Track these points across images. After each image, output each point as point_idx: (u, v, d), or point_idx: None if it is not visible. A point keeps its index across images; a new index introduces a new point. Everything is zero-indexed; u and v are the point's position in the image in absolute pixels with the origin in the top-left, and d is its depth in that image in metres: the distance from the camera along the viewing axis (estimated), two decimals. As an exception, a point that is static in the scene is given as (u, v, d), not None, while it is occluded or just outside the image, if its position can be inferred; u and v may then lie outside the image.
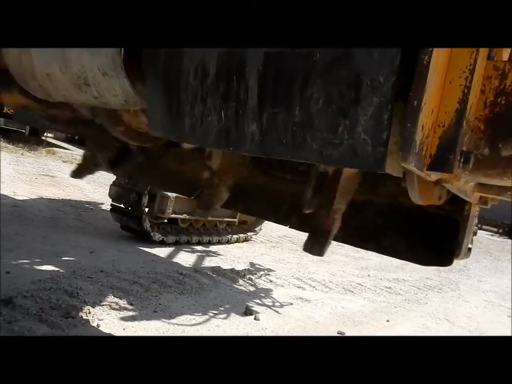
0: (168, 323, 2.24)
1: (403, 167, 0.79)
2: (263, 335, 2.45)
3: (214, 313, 2.52)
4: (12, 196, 4.50)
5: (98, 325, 2.01)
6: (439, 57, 0.65)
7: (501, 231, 18.65)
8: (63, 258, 2.86)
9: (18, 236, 3.11)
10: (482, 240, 16.51)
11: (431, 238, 1.36)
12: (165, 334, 2.08)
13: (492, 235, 17.77)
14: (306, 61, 0.64)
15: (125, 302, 2.36)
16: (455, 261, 1.48)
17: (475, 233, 1.52)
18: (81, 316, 2.04)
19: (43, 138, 11.78)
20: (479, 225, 19.72)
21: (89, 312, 2.08)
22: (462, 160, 0.65)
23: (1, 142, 9.68)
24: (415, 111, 0.58)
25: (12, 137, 10.91)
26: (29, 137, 11.30)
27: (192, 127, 0.76)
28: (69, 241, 3.24)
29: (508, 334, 3.74)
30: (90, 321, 2.03)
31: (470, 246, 1.39)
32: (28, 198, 4.61)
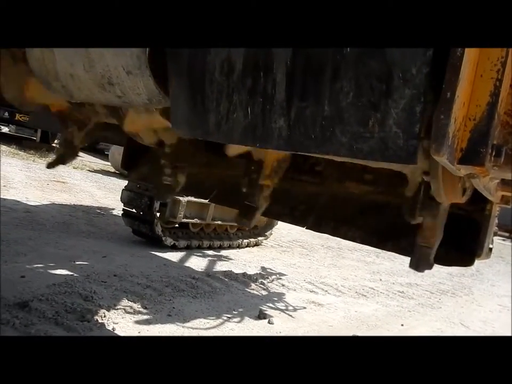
0: (183, 327, 2.23)
1: (427, 161, 0.78)
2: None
3: (227, 317, 2.51)
4: (24, 202, 4.53)
5: (113, 329, 2.01)
6: (471, 49, 0.64)
7: (512, 235, 18.51)
8: (77, 262, 2.87)
9: (32, 240, 3.13)
10: (494, 245, 16.30)
11: (452, 238, 1.35)
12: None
13: (504, 240, 17.56)
14: (335, 54, 0.63)
15: (139, 306, 2.36)
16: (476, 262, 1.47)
17: (495, 233, 1.51)
18: (97, 320, 2.04)
19: (54, 145, 11.90)
20: (490, 230, 19.52)
21: (104, 316, 2.08)
22: (493, 153, 0.64)
23: (12, 149, 9.78)
24: (449, 103, 0.57)
25: (23, 144, 11.02)
26: (40, 144, 11.40)
27: (217, 124, 0.76)
28: (81, 246, 3.25)
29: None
30: (106, 324, 2.02)
31: (491, 246, 1.38)
32: (39, 204, 4.65)
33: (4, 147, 9.70)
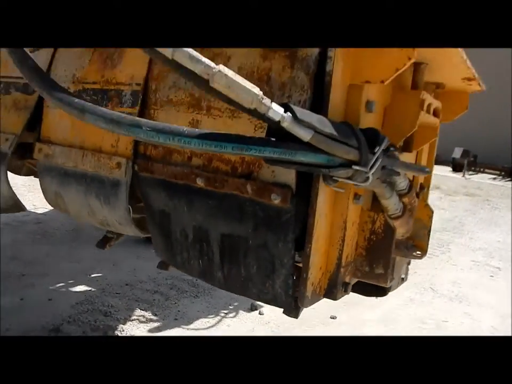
0: (187, 329, 2.72)
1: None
2: (267, 328, 2.93)
3: (224, 313, 2.99)
4: (33, 210, 4.93)
5: (131, 342, 2.50)
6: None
7: (503, 173, 19.05)
8: (92, 275, 3.34)
9: (49, 257, 3.58)
10: (484, 186, 16.75)
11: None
12: (185, 342, 2.56)
13: (494, 178, 17.99)
14: (245, 242, 1.03)
15: (150, 314, 2.84)
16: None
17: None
18: (116, 334, 2.53)
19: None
20: (481, 169, 19.90)
21: (123, 330, 2.57)
22: (343, 288, 1.07)
23: None
24: (305, 281, 0.98)
25: None
26: None
27: (183, 263, 1.17)
28: (92, 256, 3.70)
29: (488, 297, 4.19)
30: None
31: (403, 276, 1.78)
32: (47, 210, 5.05)
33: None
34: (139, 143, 1.16)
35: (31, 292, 2.95)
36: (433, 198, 11.03)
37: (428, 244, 1.53)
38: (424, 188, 1.64)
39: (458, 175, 19.07)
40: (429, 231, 1.46)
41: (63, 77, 1.33)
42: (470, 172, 19.87)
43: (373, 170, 0.85)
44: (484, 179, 19.60)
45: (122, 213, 1.21)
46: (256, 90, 0.74)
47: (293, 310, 1.00)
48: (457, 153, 20.99)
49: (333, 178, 0.87)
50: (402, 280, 1.73)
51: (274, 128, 0.78)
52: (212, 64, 0.73)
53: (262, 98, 0.74)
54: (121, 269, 3.52)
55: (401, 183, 1.02)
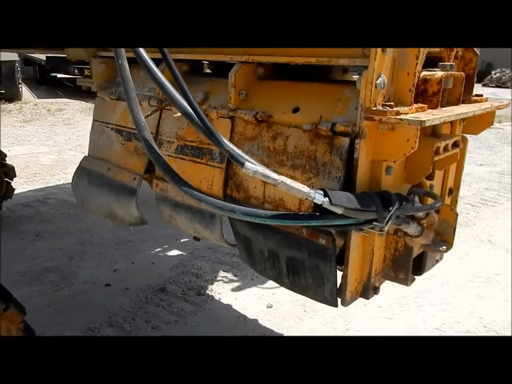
0: (262, 288, 3.33)
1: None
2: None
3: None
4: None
5: (220, 299, 3.15)
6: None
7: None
8: (182, 240, 4.03)
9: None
10: None
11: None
12: (258, 300, 3.17)
13: None
14: (303, 263, 1.50)
15: (231, 275, 3.48)
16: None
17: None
18: (208, 293, 3.20)
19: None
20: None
21: (212, 289, 3.23)
22: (374, 291, 1.52)
23: (87, 103, 10.75)
24: (344, 293, 1.44)
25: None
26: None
27: (261, 270, 1.68)
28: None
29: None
30: (214, 296, 3.17)
31: (437, 258, 2.15)
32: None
33: (85, 105, 10.93)
34: (226, 190, 1.65)
35: (138, 256, 3.70)
36: (508, 130, 10.43)
37: (453, 239, 1.86)
38: (453, 192, 1.99)
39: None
40: (454, 229, 1.80)
41: (169, 134, 1.83)
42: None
43: (387, 226, 1.26)
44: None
45: (218, 235, 1.73)
46: (306, 189, 1.17)
47: (335, 305, 1.49)
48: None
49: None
50: (437, 261, 2.11)
51: (320, 206, 1.22)
52: (277, 176, 1.16)
53: (309, 193, 1.18)
54: (205, 233, 4.18)
55: (412, 225, 1.42)
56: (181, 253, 3.81)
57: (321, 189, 1.21)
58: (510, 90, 20.65)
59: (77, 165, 2.38)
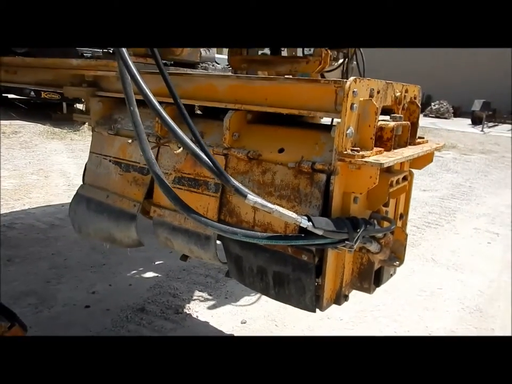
0: (236, 305, 3.60)
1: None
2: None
3: (262, 291, 3.86)
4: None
5: (197, 316, 3.38)
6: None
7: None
8: (156, 263, 4.23)
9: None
10: (501, 141, 16.91)
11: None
12: (233, 317, 3.43)
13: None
14: (287, 277, 1.82)
15: (206, 294, 3.72)
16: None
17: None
18: (185, 311, 3.42)
19: (82, 109, 12.08)
20: (501, 120, 20.02)
21: (190, 308, 3.46)
22: (344, 298, 1.87)
23: (47, 127, 10.68)
24: (322, 300, 1.77)
25: (53, 118, 11.87)
26: (68, 115, 12.05)
27: (249, 283, 1.99)
28: (152, 244, 4.58)
29: (481, 263, 4.93)
30: (192, 314, 3.40)
31: (391, 273, 2.54)
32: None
33: (40, 127, 10.82)
34: (220, 216, 1.96)
35: (115, 278, 3.87)
36: (448, 159, 11.38)
37: (404, 255, 2.21)
38: (403, 216, 2.40)
39: (477, 129, 19.22)
40: (405, 247, 2.16)
41: (167, 166, 2.11)
42: (490, 124, 20.05)
43: (356, 244, 1.61)
44: (503, 131, 19.56)
45: (212, 255, 2.02)
46: (294, 215, 1.50)
47: (314, 311, 1.81)
48: (476, 105, 21.02)
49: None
50: (391, 275, 2.49)
51: (304, 228, 1.55)
52: (272, 205, 1.48)
53: (297, 219, 1.51)
54: (176, 256, 4.37)
55: (373, 244, 1.78)
56: (156, 274, 4.01)
57: (306, 215, 1.54)
58: (448, 120, 22.41)
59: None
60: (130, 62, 1.43)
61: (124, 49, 1.42)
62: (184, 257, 2.43)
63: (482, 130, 18.96)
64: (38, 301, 3.40)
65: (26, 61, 2.68)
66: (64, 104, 12.11)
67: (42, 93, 11.61)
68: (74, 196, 2.54)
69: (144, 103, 1.49)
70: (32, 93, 11.74)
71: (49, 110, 12.02)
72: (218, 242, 2.02)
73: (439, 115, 23.55)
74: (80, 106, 11.83)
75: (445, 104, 23.98)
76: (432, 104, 24.30)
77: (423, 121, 19.10)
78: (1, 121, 10.87)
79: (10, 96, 12.80)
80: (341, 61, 2.98)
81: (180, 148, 1.93)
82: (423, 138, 2.29)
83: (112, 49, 2.36)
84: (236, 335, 3.18)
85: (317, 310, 1.85)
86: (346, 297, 1.90)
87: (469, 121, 21.73)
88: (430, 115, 23.56)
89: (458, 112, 24.29)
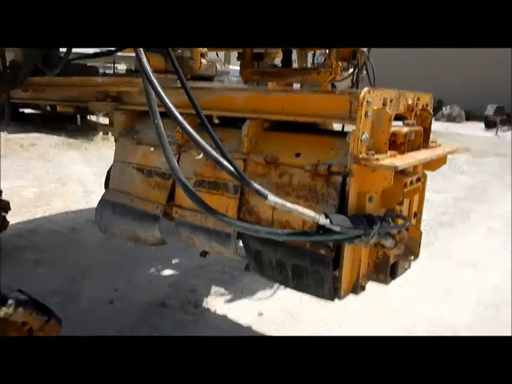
0: (252, 299, 3.70)
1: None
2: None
3: (277, 286, 3.94)
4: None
5: (215, 310, 3.50)
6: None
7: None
8: (173, 261, 4.36)
9: (138, 247, 4.59)
10: (516, 143, 16.64)
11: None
12: (250, 310, 3.52)
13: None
14: (306, 269, 1.92)
15: (223, 289, 3.83)
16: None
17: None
18: (204, 306, 3.54)
19: (94, 121, 12.35)
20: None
21: (208, 302, 3.58)
22: (361, 288, 1.96)
23: (62, 137, 10.88)
24: (340, 291, 1.87)
25: (67, 129, 12.06)
26: (82, 126, 12.21)
27: (269, 276, 2.09)
28: (170, 245, 4.71)
29: (498, 262, 4.94)
30: (210, 308, 3.52)
31: (406, 267, 2.61)
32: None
33: (56, 139, 11.06)
34: (240, 215, 2.07)
35: (135, 276, 4.01)
36: (461, 161, 11.26)
37: (419, 251, 2.28)
38: (417, 215, 2.48)
39: (491, 133, 18.99)
40: (419, 243, 2.24)
41: (187, 171, 2.23)
42: (504, 128, 19.87)
43: (372, 240, 1.70)
44: (514, 134, 19.25)
45: (233, 251, 2.14)
46: (313, 214, 1.60)
47: (333, 299, 1.92)
48: (490, 110, 20.80)
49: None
50: (406, 269, 2.56)
51: (321, 225, 1.65)
52: (291, 205, 1.59)
53: (316, 216, 1.61)
54: (193, 255, 4.45)
55: (388, 240, 1.88)
56: (174, 272, 4.15)
57: (324, 213, 1.64)
58: (460, 124, 22.20)
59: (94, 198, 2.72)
60: (153, 79, 1.52)
61: (148, 67, 1.50)
62: (204, 253, 2.55)
63: (496, 134, 18.71)
64: (65, 298, 3.55)
65: (54, 80, 2.84)
66: (78, 116, 12.28)
67: (58, 107, 11.80)
68: (100, 200, 2.68)
69: (164, 114, 1.56)
70: (48, 108, 11.94)
71: (63, 122, 12.25)
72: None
73: (450, 119, 23.37)
74: (93, 118, 12.11)
75: (456, 108, 23.80)
76: (444, 108, 24.08)
77: (435, 125, 18.68)
78: (19, 134, 11.16)
79: (27, 111, 13.06)
80: (351, 70, 3.08)
81: (200, 154, 2.04)
82: (435, 142, 2.38)
83: (135, 68, 2.49)
84: (253, 327, 3.29)
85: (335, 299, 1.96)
86: (363, 288, 2.00)
87: (481, 125, 21.48)
88: (442, 119, 23.39)
89: (470, 117, 24.07)
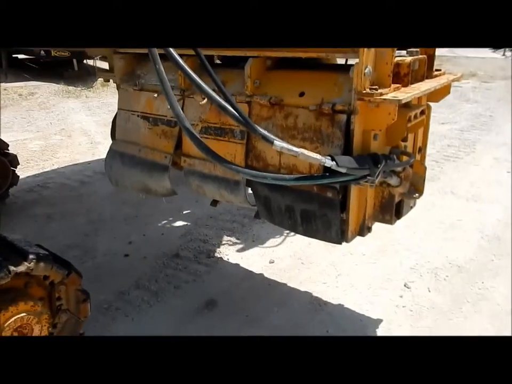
0: (263, 247, 3.80)
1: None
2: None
3: (286, 233, 4.03)
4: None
5: (228, 259, 3.61)
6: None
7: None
8: (184, 212, 4.43)
9: (148, 199, 4.63)
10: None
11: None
12: (261, 258, 3.64)
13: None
14: (314, 213, 1.96)
15: (234, 239, 3.93)
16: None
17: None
18: (216, 255, 3.65)
19: (92, 65, 12.06)
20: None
21: (220, 252, 3.69)
22: (368, 230, 2.00)
23: (61, 86, 10.70)
24: (347, 232, 1.92)
25: (65, 76, 11.86)
26: (80, 72, 11.99)
27: (278, 222, 2.13)
28: (179, 196, 4.78)
29: (499, 193, 4.99)
30: (223, 257, 3.63)
31: (411, 205, 2.65)
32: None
33: (55, 87, 10.89)
34: (248, 161, 2.08)
35: (148, 229, 4.10)
36: (468, 88, 11.02)
37: (423, 188, 2.30)
38: (421, 150, 2.48)
39: (498, 55, 18.35)
40: (424, 179, 2.26)
41: (193, 117, 2.22)
42: None
43: (377, 179, 1.72)
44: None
45: (243, 198, 2.17)
46: (319, 157, 1.60)
47: (340, 243, 1.97)
48: (497, 30, 19.97)
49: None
50: (411, 207, 2.60)
51: (328, 168, 1.67)
52: (297, 149, 1.59)
53: (322, 159, 1.62)
54: (203, 205, 4.56)
55: (393, 178, 1.89)
56: (185, 223, 4.23)
57: (329, 155, 1.65)
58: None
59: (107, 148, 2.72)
60: None
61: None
62: (215, 203, 2.59)
63: (504, 55, 18.06)
64: (81, 252, 3.66)
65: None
66: (75, 61, 12.04)
67: (52, 51, 11.52)
68: (108, 151, 2.69)
69: (165, 57, 1.53)
70: (42, 52, 11.66)
71: (60, 68, 12.00)
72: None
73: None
74: (90, 62, 11.80)
75: (463, 31, 22.78)
76: (450, 32, 23.06)
77: (441, 49, 18.23)
78: (16, 83, 10.97)
79: (21, 56, 12.77)
80: None
81: (204, 99, 2.02)
82: (440, 70, 2.32)
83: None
84: (265, 274, 3.40)
85: (343, 242, 2.01)
86: (369, 229, 2.04)
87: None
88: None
89: (478, 39, 23.00)
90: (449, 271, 3.47)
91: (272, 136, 1.58)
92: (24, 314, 1.86)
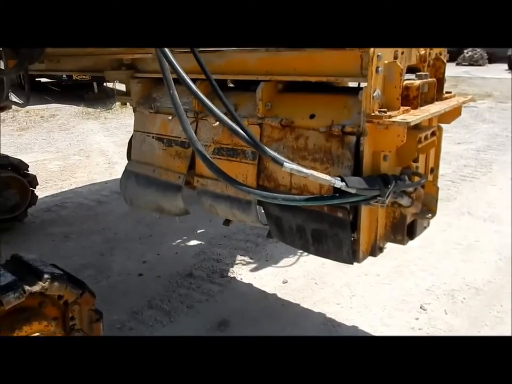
0: (276, 267, 3.79)
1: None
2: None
3: (300, 253, 4.03)
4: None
5: (241, 279, 3.61)
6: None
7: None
8: (198, 231, 4.47)
9: (162, 219, 4.69)
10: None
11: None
12: (275, 278, 3.63)
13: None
14: (325, 233, 1.96)
15: (248, 258, 3.93)
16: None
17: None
18: (230, 275, 3.65)
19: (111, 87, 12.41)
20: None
21: (233, 271, 3.69)
22: (379, 250, 2.00)
23: (81, 107, 10.99)
24: (358, 253, 1.91)
25: (85, 98, 12.21)
26: (100, 94, 12.33)
27: (289, 241, 2.14)
28: (192, 215, 4.82)
29: (518, 214, 4.88)
30: (236, 277, 3.63)
31: (425, 225, 2.62)
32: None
33: (75, 109, 11.19)
34: (259, 181, 2.11)
35: (162, 248, 4.14)
36: (483, 108, 10.98)
37: (436, 208, 2.29)
38: (433, 170, 2.48)
39: (514, 75, 18.27)
40: (436, 200, 2.25)
41: (206, 139, 2.27)
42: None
43: (388, 200, 1.73)
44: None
45: (254, 218, 2.19)
46: (328, 177, 1.62)
47: (352, 263, 1.96)
48: (513, 50, 19.91)
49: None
50: (425, 228, 2.58)
51: (338, 188, 1.68)
52: (307, 170, 1.61)
53: (331, 180, 1.63)
54: (217, 224, 4.58)
55: (404, 198, 1.89)
56: (199, 242, 4.25)
57: (339, 176, 1.67)
58: (481, 68, 21.35)
59: (122, 169, 2.78)
60: (166, 49, 1.53)
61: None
62: (227, 222, 2.61)
63: (520, 76, 17.96)
64: (96, 272, 3.71)
65: (68, 50, 2.87)
66: (95, 84, 12.40)
67: (73, 75, 11.89)
68: (124, 171, 2.75)
69: (179, 81, 1.56)
70: (64, 76, 12.06)
71: (81, 91, 12.37)
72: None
73: (472, 62, 22.42)
74: (110, 85, 12.02)
75: (478, 50, 22.80)
76: (465, 51, 23.10)
77: (456, 70, 18.18)
78: (38, 105, 11.32)
79: (43, 80, 13.20)
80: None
81: (216, 121, 2.06)
82: (450, 93, 2.34)
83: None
84: (278, 294, 3.38)
85: (355, 263, 2.00)
86: (381, 249, 2.03)
87: (505, 66, 20.61)
88: (463, 63, 22.46)
89: (493, 58, 23.03)
90: (466, 293, 3.40)
91: (282, 158, 1.61)
92: (38, 334, 1.88)
